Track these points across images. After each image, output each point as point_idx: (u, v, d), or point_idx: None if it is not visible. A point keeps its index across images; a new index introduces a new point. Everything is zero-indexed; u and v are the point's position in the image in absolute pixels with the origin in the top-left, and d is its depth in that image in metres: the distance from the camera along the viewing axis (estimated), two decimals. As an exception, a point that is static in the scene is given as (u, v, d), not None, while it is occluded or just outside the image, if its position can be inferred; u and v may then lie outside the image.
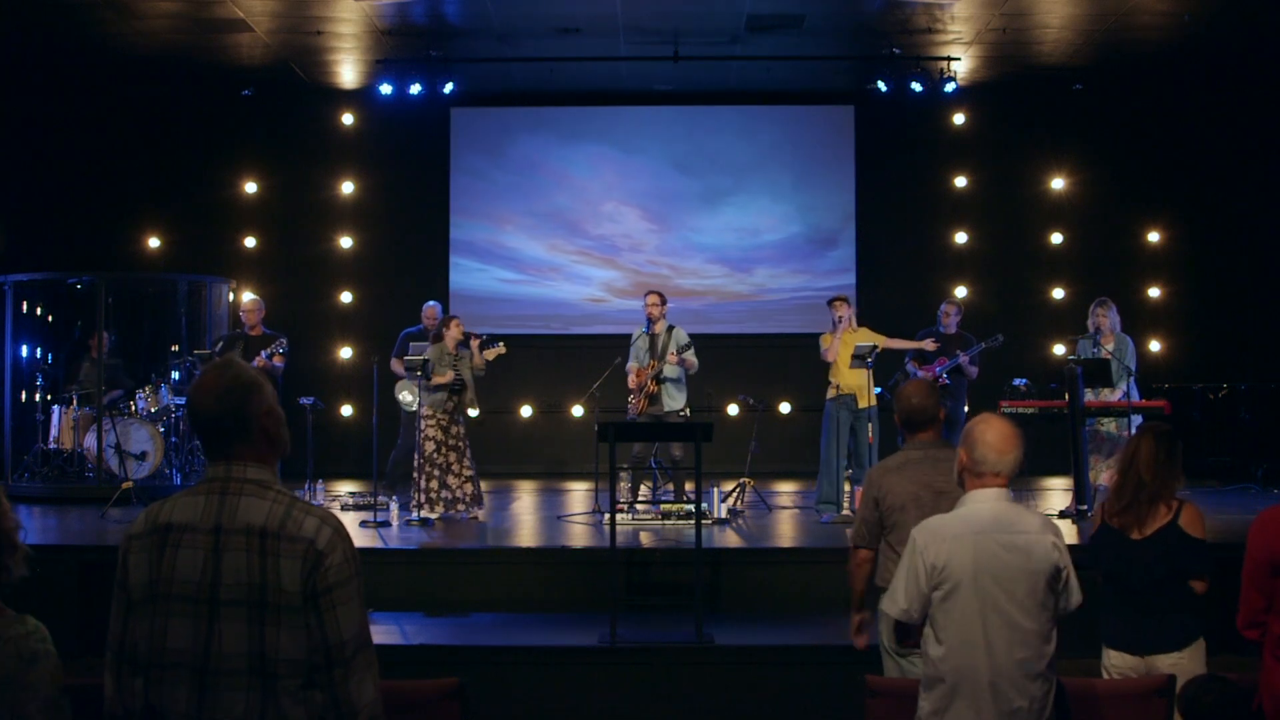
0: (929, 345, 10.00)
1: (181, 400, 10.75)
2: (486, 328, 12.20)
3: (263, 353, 9.92)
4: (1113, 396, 9.30)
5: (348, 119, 13.27)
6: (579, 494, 11.31)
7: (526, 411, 13.30)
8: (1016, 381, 9.83)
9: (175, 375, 11.37)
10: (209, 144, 13.14)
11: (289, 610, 2.58)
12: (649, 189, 13.38)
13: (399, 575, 7.60)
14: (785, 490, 11.45)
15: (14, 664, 2.90)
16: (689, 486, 9.19)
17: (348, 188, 13.35)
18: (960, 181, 13.31)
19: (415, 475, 9.16)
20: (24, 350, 11.68)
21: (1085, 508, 8.86)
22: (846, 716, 5.03)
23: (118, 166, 13.00)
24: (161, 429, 10.75)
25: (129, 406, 10.88)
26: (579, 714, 6.25)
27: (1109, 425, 9.37)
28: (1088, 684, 4.22)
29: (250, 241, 13.31)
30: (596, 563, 7.56)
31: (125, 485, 9.53)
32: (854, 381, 9.35)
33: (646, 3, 10.37)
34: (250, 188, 13.32)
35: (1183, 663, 4.27)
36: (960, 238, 13.32)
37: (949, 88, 11.47)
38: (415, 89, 11.50)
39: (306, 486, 10.19)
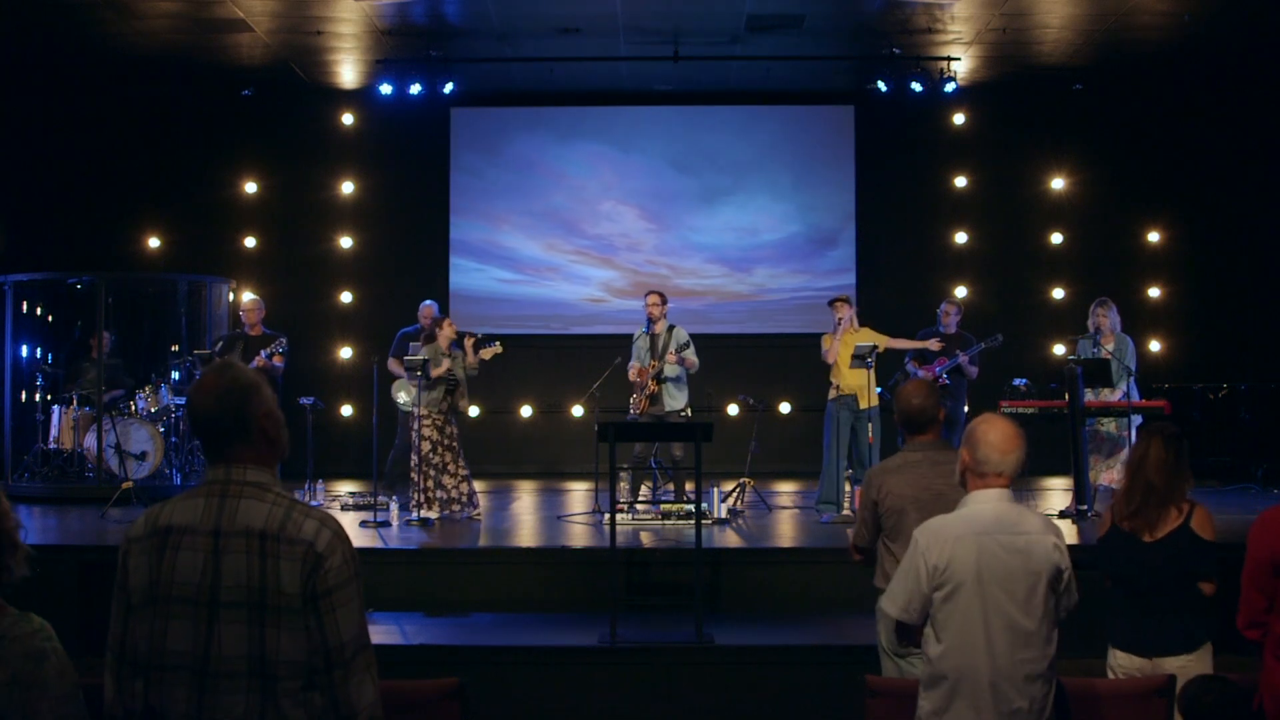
0: (933, 345, 10.00)
1: (181, 400, 10.75)
2: (486, 328, 12.20)
3: (262, 352, 9.92)
4: (1113, 396, 9.30)
5: (348, 119, 13.27)
6: (579, 494, 11.31)
7: (526, 411, 13.30)
8: (1016, 381, 9.83)
9: (175, 375, 11.37)
10: (209, 144, 13.14)
11: (289, 612, 2.58)
12: (647, 188, 13.37)
13: (399, 575, 7.60)
14: (785, 490, 11.45)
15: (21, 663, 2.90)
16: (689, 486, 9.19)
17: (348, 188, 13.35)
18: (960, 181, 13.31)
19: (413, 475, 9.16)
20: (24, 350, 11.68)
21: (1085, 508, 8.86)
22: (846, 716, 5.03)
23: (118, 166, 12.99)
24: (161, 429, 10.75)
25: (129, 406, 10.88)
26: (579, 714, 6.25)
27: (1109, 425, 9.37)
28: (1088, 684, 4.22)
29: (250, 241, 13.31)
30: (596, 563, 7.55)
31: (125, 485, 9.52)
32: (855, 382, 9.34)
33: (646, 3, 10.37)
34: (250, 188, 13.32)
35: (1191, 665, 4.27)
36: (960, 238, 13.32)
37: (949, 88, 11.47)
38: (415, 89, 11.50)
39: (306, 486, 10.19)
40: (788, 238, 13.34)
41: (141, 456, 10.46)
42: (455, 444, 9.30)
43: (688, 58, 11.46)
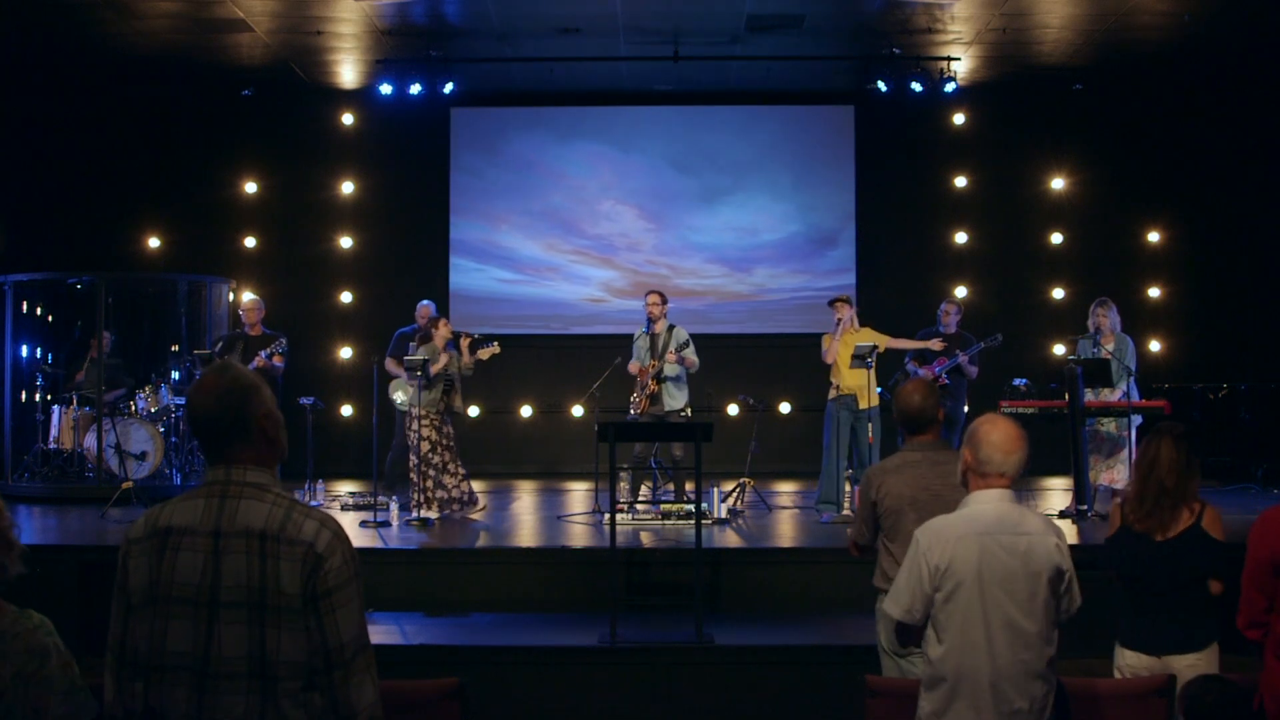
0: (935, 344, 10.00)
1: (181, 400, 10.75)
2: (486, 328, 12.21)
3: (262, 353, 9.92)
4: (1113, 396, 9.30)
5: (348, 119, 13.27)
6: (579, 494, 11.30)
7: (526, 411, 13.30)
8: (1016, 381, 9.82)
9: (175, 375, 11.38)
10: (209, 144, 13.14)
11: (289, 613, 2.58)
12: (646, 188, 13.37)
13: (399, 575, 7.60)
14: (785, 490, 11.45)
15: (25, 660, 2.90)
16: (689, 486, 9.19)
17: (348, 188, 13.35)
18: (960, 181, 13.31)
19: (413, 475, 9.15)
20: (24, 350, 11.68)
21: (1085, 508, 8.86)
22: (846, 716, 5.03)
23: (118, 166, 12.99)
24: (161, 429, 10.75)
25: (129, 406, 10.88)
26: (579, 714, 6.25)
27: (1109, 425, 9.36)
28: (1088, 684, 4.23)
29: (250, 241, 13.31)
30: (596, 563, 7.55)
31: (125, 485, 9.52)
32: (854, 382, 9.34)
33: (646, 3, 10.37)
34: (250, 188, 13.32)
35: (1200, 664, 4.30)
36: (960, 238, 13.32)
37: (949, 88, 11.47)
38: (415, 89, 11.50)
39: (306, 486, 10.19)
40: (787, 237, 13.34)
41: (141, 456, 10.46)
42: (453, 443, 9.30)
43: (688, 58, 11.46)
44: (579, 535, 8.65)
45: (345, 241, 13.34)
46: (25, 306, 11.58)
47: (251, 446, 2.71)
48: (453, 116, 13.25)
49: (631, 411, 9.67)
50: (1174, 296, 13.18)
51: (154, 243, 13.26)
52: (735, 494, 9.93)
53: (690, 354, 9.53)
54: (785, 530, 9.12)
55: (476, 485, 9.61)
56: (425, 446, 9.10)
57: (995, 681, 3.48)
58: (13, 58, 11.60)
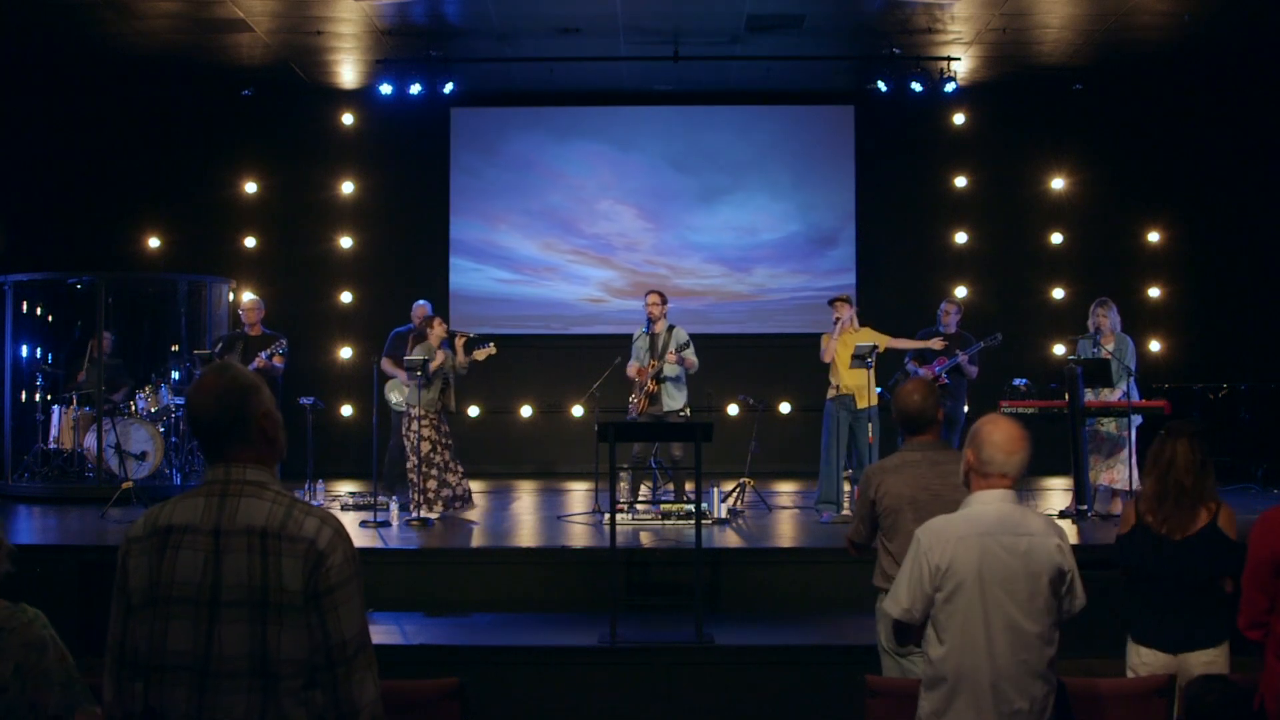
0: (936, 344, 9.99)
1: (181, 400, 10.75)
2: (486, 328, 12.22)
3: (262, 353, 9.91)
4: (1113, 396, 9.30)
5: (348, 119, 13.27)
6: (579, 494, 11.30)
7: (526, 411, 13.30)
8: (1016, 381, 9.83)
9: (175, 375, 11.38)
10: (209, 144, 13.13)
11: (291, 610, 2.58)
12: (645, 187, 13.36)
13: (399, 575, 7.60)
14: (785, 490, 11.45)
15: (24, 653, 2.91)
16: (689, 486, 9.19)
17: (348, 188, 13.35)
18: (960, 181, 13.31)
19: (412, 476, 9.14)
20: (24, 350, 11.68)
21: (1085, 508, 8.86)
22: (846, 716, 5.03)
23: (118, 166, 12.99)
24: (161, 429, 10.75)
25: (129, 406, 10.88)
26: (579, 714, 6.25)
27: (1109, 425, 9.36)
28: (1089, 684, 4.23)
29: (250, 241, 13.31)
30: (596, 563, 7.55)
31: (125, 485, 9.52)
32: (853, 382, 9.34)
33: (646, 3, 10.37)
34: (250, 188, 13.32)
35: (1217, 660, 4.35)
36: (960, 238, 13.32)
37: (949, 88, 11.47)
38: (415, 89, 11.50)
39: (306, 486, 10.19)
40: (787, 237, 13.34)
41: (141, 456, 10.46)
42: (451, 441, 9.31)
43: (688, 58, 11.46)
44: (579, 535, 8.65)
45: (345, 241, 13.34)
46: (25, 306, 11.58)
47: (251, 446, 2.71)
48: (452, 116, 13.24)
49: (630, 412, 9.67)
50: (1174, 296, 13.18)
51: (154, 243, 13.26)
52: (735, 494, 9.92)
53: (690, 354, 9.53)
54: (785, 530, 9.12)
55: (476, 485, 9.61)
56: (426, 446, 9.10)
57: (996, 682, 3.47)
58: (13, 58, 11.60)
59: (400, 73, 11.49)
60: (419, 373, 9.07)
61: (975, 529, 3.56)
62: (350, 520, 9.07)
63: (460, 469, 9.30)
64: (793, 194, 13.33)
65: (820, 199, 13.32)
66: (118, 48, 11.31)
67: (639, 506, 9.26)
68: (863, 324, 9.66)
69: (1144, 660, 4.47)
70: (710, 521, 8.88)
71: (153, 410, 10.79)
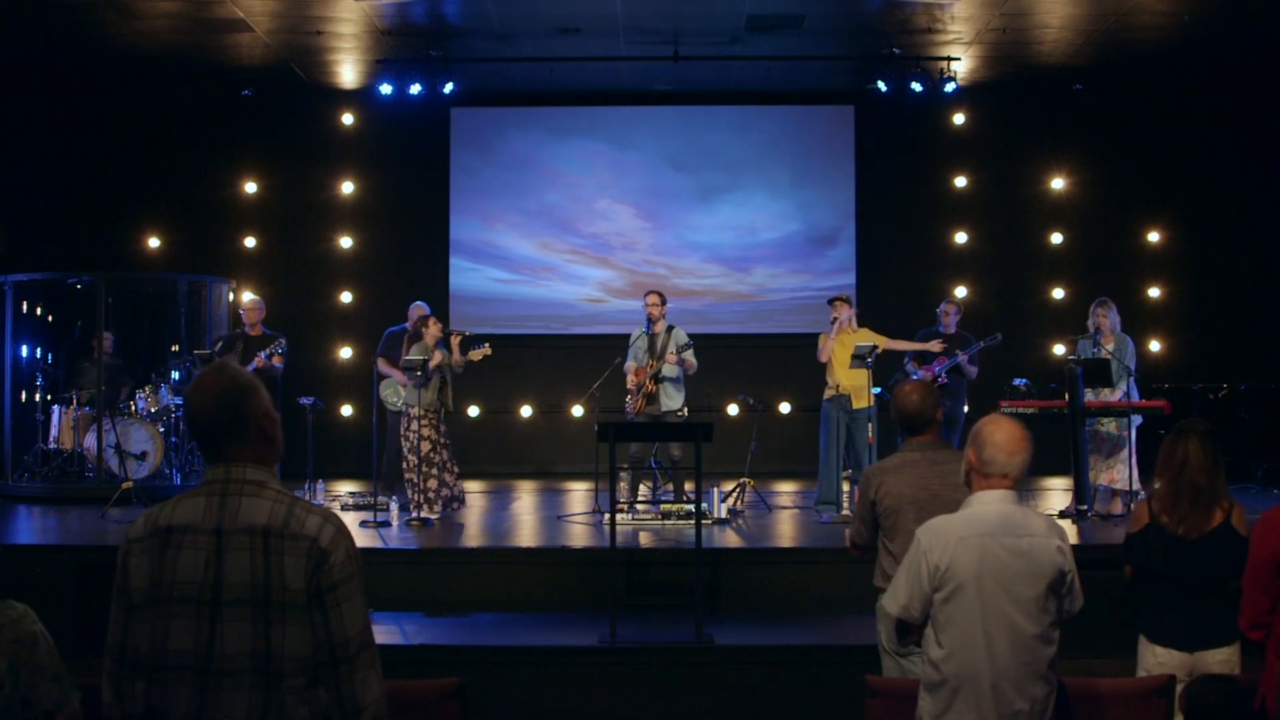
0: (935, 346, 9.99)
1: (181, 400, 10.75)
2: (486, 328, 12.22)
3: (262, 353, 9.91)
4: (1113, 396, 9.30)
5: (348, 119, 13.27)
6: (578, 494, 11.30)
7: (526, 411, 13.30)
8: (1016, 381, 9.82)
9: (175, 375, 11.37)
10: (209, 144, 13.13)
11: (294, 608, 2.58)
12: (643, 186, 13.35)
13: (399, 575, 7.60)
14: (785, 490, 11.45)
15: (15, 649, 2.91)
16: (689, 486, 9.19)
17: (348, 188, 13.35)
18: (960, 181, 13.31)
19: (412, 476, 9.14)
20: (24, 350, 11.67)
21: (1085, 508, 8.87)
22: (846, 716, 5.03)
23: (118, 166, 12.99)
24: (161, 429, 10.75)
25: (129, 406, 10.88)
26: (579, 714, 6.25)
27: (1109, 425, 9.36)
28: (1089, 684, 4.23)
29: (250, 241, 13.31)
30: (596, 563, 7.55)
31: (125, 485, 9.52)
32: (850, 382, 9.33)
33: (646, 3, 10.37)
34: (250, 188, 13.32)
35: (1231, 658, 4.38)
36: (960, 238, 13.32)
37: (949, 88, 11.46)
38: (415, 89, 11.50)
39: (306, 486, 10.18)
40: (786, 236, 13.33)
41: (141, 456, 10.46)
42: (449, 440, 9.32)
43: (688, 58, 11.46)
44: (579, 535, 8.65)
45: (345, 241, 13.34)
46: (25, 306, 11.58)
47: (250, 445, 2.71)
48: (452, 116, 13.24)
49: (628, 412, 9.67)
50: (1174, 296, 13.18)
51: (154, 243, 13.26)
52: (735, 494, 9.92)
53: (690, 355, 9.54)
54: (785, 530, 9.12)
55: (475, 485, 9.61)
56: (426, 446, 9.10)
57: (996, 683, 3.47)
58: (13, 58, 11.60)
59: (400, 73, 11.49)
60: (418, 373, 9.06)
61: (976, 529, 3.55)
62: (350, 520, 9.06)
63: (456, 469, 9.30)
64: (792, 194, 13.32)
65: (820, 199, 13.32)
66: (118, 48, 11.31)
67: (639, 506, 9.26)
68: (862, 324, 9.66)
69: (1159, 659, 4.49)
70: (710, 521, 8.88)
71: (153, 410, 10.79)
